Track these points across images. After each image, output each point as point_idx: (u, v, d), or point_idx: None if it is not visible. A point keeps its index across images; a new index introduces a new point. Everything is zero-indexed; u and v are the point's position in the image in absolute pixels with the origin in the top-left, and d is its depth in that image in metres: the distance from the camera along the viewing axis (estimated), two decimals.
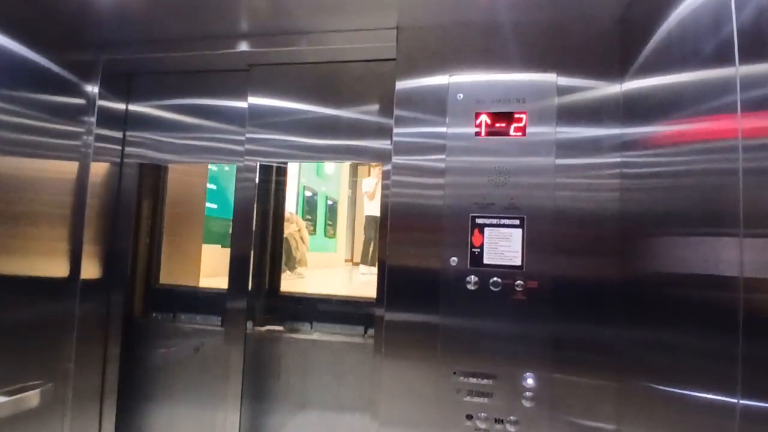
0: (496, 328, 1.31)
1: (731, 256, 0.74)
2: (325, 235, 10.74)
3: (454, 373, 1.32)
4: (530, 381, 1.28)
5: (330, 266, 10.91)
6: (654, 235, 1.09)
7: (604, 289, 1.27)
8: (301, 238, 6.87)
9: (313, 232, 9.89)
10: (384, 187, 1.50)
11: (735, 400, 0.73)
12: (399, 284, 1.39)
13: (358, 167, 13.02)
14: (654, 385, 1.08)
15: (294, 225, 6.89)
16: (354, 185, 12.95)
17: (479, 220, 1.34)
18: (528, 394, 1.28)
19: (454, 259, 1.34)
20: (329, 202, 11.01)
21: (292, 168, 8.47)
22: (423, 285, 1.37)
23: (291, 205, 8.61)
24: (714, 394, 0.81)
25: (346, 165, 11.77)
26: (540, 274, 1.30)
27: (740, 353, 0.71)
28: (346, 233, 12.38)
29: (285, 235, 6.25)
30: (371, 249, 8.01)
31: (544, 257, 1.30)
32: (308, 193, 9.51)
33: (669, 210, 1.02)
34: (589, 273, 1.28)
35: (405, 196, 1.41)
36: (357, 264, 13.27)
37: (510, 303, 1.31)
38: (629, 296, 1.21)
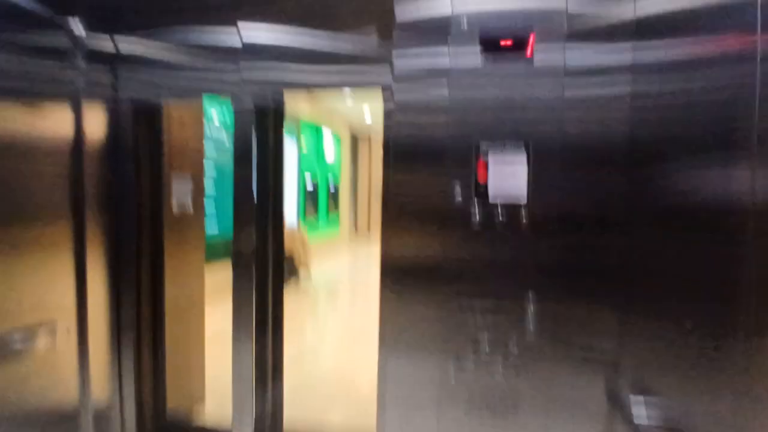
0: (500, 259, 1.34)
1: (743, 180, 0.75)
2: (327, 212, 10.56)
3: (459, 295, 1.37)
4: (533, 305, 1.33)
5: (334, 242, 10.81)
6: (664, 161, 1.08)
7: (610, 218, 1.28)
8: (303, 246, 6.61)
9: (315, 214, 9.68)
10: (386, 118, 1.46)
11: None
12: (402, 221, 1.41)
13: (358, 142, 12.58)
14: (654, 309, 1.13)
15: (297, 242, 6.52)
16: (354, 156, 12.61)
17: (484, 149, 1.32)
18: (530, 316, 1.34)
19: (458, 192, 1.35)
20: (331, 189, 10.72)
21: (291, 159, 8.05)
22: (426, 220, 1.39)
23: (291, 198, 8.22)
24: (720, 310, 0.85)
25: (347, 150, 11.35)
26: (545, 206, 1.31)
27: (751, 277, 0.74)
28: (348, 204, 12.24)
29: (287, 255, 5.89)
30: None
31: (550, 186, 1.30)
32: (309, 188, 9.25)
33: (680, 134, 1.00)
34: (595, 202, 1.29)
35: (407, 128, 1.38)
36: (361, 231, 13.24)
37: (515, 235, 1.33)
38: (636, 225, 1.23)
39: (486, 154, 1.32)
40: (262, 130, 1.83)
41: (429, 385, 1.42)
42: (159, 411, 2.16)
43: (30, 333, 1.43)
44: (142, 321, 1.97)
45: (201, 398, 2.58)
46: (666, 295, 1.07)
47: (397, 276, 1.44)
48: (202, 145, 2.47)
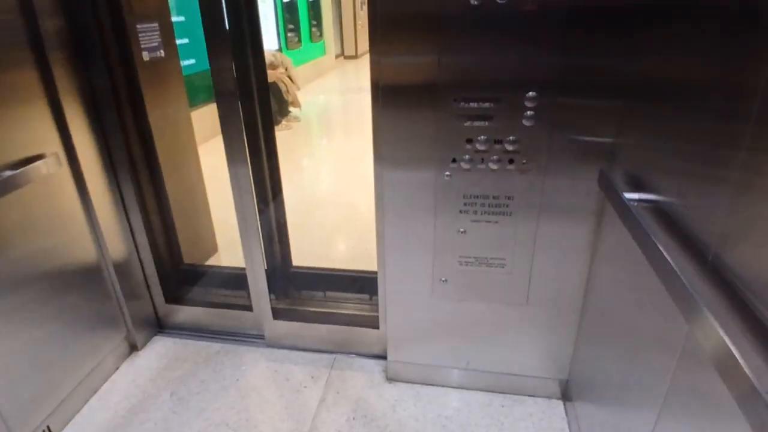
0: (501, 47, 1.23)
1: None
2: (311, 41, 9.42)
3: (455, 100, 1.30)
4: (532, 100, 1.27)
5: (322, 73, 9.97)
6: None
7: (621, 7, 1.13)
8: (290, 78, 5.99)
9: (298, 44, 8.63)
10: None
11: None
12: (392, 21, 1.26)
13: None
14: (661, 99, 1.06)
15: (280, 68, 5.94)
16: None
17: None
18: (529, 113, 1.28)
19: None
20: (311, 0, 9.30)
21: None
22: (420, 14, 1.24)
23: (269, 12, 7.18)
24: (727, 101, 0.79)
25: None
26: None
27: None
28: (333, 30, 10.90)
29: (272, 81, 5.41)
30: None
31: None
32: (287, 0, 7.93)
33: None
34: None
35: None
36: (348, 57, 12.13)
37: (517, 22, 1.19)
38: (648, 15, 1.08)
39: None
40: None
41: (425, 189, 1.44)
42: (175, 256, 2.28)
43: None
44: (139, 171, 1.95)
45: (213, 246, 2.72)
46: (671, 91, 1.00)
47: (389, 88, 1.34)
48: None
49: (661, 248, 0.86)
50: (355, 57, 12.58)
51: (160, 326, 2.16)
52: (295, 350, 2.00)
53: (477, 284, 1.55)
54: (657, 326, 1.01)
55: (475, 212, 1.44)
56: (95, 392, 1.81)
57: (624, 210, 1.07)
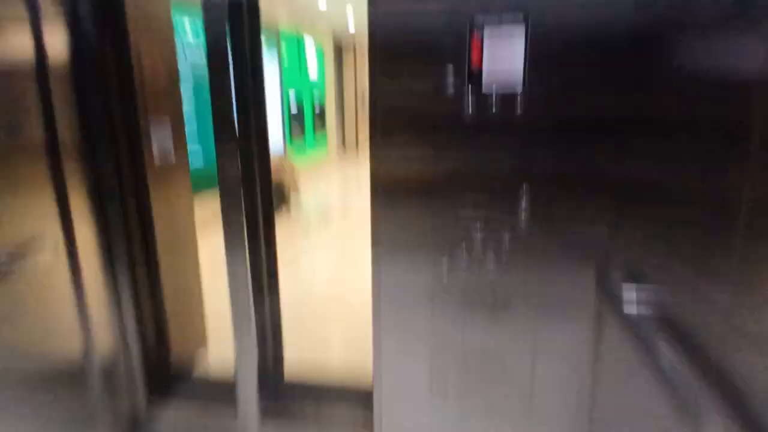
0: (494, 149, 1.30)
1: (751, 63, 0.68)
2: (314, 132, 10.16)
3: (450, 197, 1.35)
4: (526, 200, 1.31)
5: (323, 162, 10.48)
6: (669, 51, 1.00)
7: (609, 113, 1.23)
8: (293, 181, 6.30)
9: (301, 134, 9.28)
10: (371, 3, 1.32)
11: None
12: (390, 121, 1.35)
13: (343, 54, 11.83)
14: (650, 204, 1.11)
15: (284, 172, 6.19)
16: (339, 70, 11.93)
17: (478, 33, 1.22)
18: (524, 213, 1.32)
19: (450, 79, 1.27)
20: (317, 110, 10.17)
21: (273, 77, 7.43)
22: (417, 118, 1.32)
23: (275, 120, 7.76)
24: (714, 213, 0.83)
25: (331, 63, 10.65)
26: (541, 91, 1.24)
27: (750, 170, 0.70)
28: (335, 121, 11.77)
29: (276, 183, 5.66)
30: None
31: (547, 73, 1.22)
32: (294, 111, 8.73)
33: (687, 18, 0.92)
34: (594, 94, 1.22)
35: (394, 16, 1.27)
36: (349, 147, 12.88)
37: (510, 126, 1.27)
38: (637, 119, 1.17)
39: (481, 28, 1.22)
40: (236, 36, 1.69)
41: (422, 285, 1.43)
42: (163, 359, 2.20)
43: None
44: (136, 262, 1.95)
45: (203, 339, 2.64)
46: (663, 188, 1.05)
47: (387, 183, 1.40)
48: (175, 65, 2.29)
49: (660, 356, 0.85)
50: (356, 148, 13.18)
51: (139, 427, 2.02)
52: None
53: (478, 391, 1.49)
54: None
55: (474, 308, 1.42)
56: None
57: (622, 317, 1.06)
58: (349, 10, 8.34)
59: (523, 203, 1.31)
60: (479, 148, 1.31)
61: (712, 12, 0.84)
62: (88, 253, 1.70)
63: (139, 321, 1.94)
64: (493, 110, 1.26)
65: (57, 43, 1.55)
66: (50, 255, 1.52)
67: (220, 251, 1.73)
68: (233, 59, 1.59)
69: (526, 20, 1.19)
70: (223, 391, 2.05)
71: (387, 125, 1.35)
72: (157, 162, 2.08)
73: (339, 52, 11.74)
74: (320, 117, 10.47)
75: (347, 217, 6.67)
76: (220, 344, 2.63)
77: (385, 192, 1.40)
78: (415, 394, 1.54)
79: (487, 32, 1.21)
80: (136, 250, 1.94)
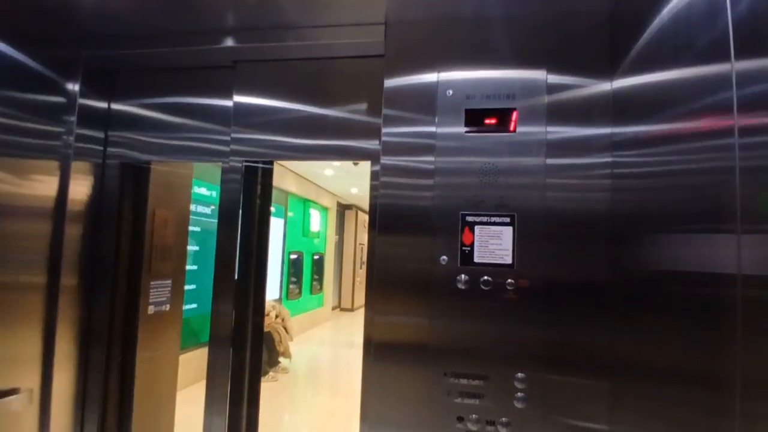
0: (487, 328, 1.29)
1: (728, 253, 0.73)
2: (311, 293, 10.17)
3: (445, 374, 1.30)
4: (522, 381, 1.26)
5: (317, 323, 10.43)
6: (646, 234, 1.08)
7: (596, 288, 1.25)
8: (285, 328, 6.11)
9: (298, 295, 9.32)
10: (372, 189, 1.47)
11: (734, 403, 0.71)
12: (387, 286, 1.37)
13: (345, 213, 12.88)
14: (647, 385, 1.07)
15: (277, 318, 6.12)
16: (341, 230, 12.83)
17: (469, 218, 1.32)
18: (519, 394, 1.26)
19: (444, 258, 1.32)
20: (315, 258, 10.63)
21: (276, 231, 7.98)
22: (412, 285, 1.35)
23: (275, 266, 8.10)
24: (711, 394, 0.80)
25: (333, 219, 11.54)
26: (531, 273, 1.28)
27: (739, 351, 0.70)
28: (333, 283, 12.08)
29: (267, 329, 5.50)
30: None
31: (535, 256, 1.28)
32: (293, 256, 9.19)
33: (661, 208, 1.01)
34: (581, 272, 1.27)
35: (394, 197, 1.38)
36: (345, 309, 13.14)
37: (501, 302, 1.29)
38: (622, 295, 1.20)
39: (472, 226, 1.31)
40: (248, 199, 1.82)
41: None
42: None
43: None
44: (107, 412, 1.83)
45: None
46: (657, 372, 1.02)
47: (380, 352, 1.36)
48: (186, 227, 2.43)
49: None
50: (351, 310, 13.07)
51: None
52: None
53: None
54: None
55: None
56: None
57: None
58: (353, 188, 9.04)
59: (518, 393, 1.26)
60: (471, 322, 1.30)
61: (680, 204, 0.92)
62: (60, 402, 1.59)
63: None
64: (483, 287, 1.29)
65: (81, 191, 1.67)
66: (23, 403, 1.42)
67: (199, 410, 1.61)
68: (242, 218, 1.70)
69: (513, 220, 1.30)
70: None
71: (382, 291, 1.37)
72: (150, 312, 2.07)
73: (341, 213, 12.47)
74: (318, 272, 10.54)
75: (336, 378, 6.33)
76: None
77: (378, 362, 1.36)
78: None
79: (477, 231, 1.31)
80: (111, 400, 1.81)
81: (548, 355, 1.26)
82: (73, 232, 1.63)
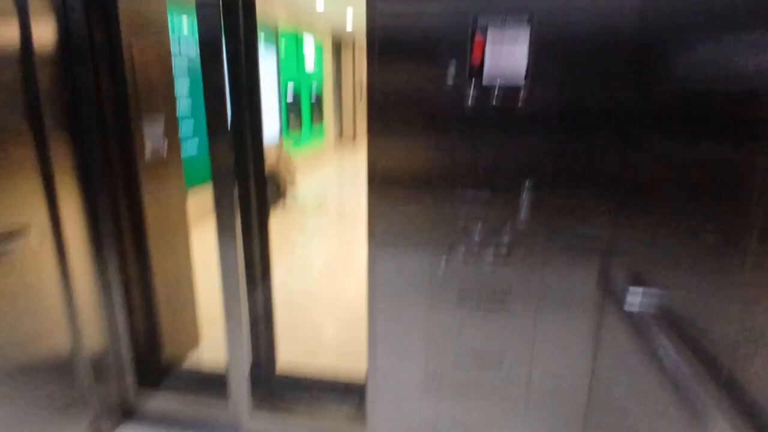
0: (496, 141, 1.27)
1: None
2: (312, 123, 10.01)
3: (451, 188, 1.32)
4: (528, 193, 1.29)
5: (320, 153, 10.28)
6: (679, 46, 0.97)
7: (614, 105, 1.19)
8: (288, 172, 6.11)
9: (299, 126, 9.09)
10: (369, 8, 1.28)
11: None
12: (390, 114, 1.31)
13: (341, 49, 11.67)
14: (655, 214, 1.08)
15: (280, 162, 6.01)
16: (337, 63, 11.81)
17: (482, 21, 1.19)
18: (525, 206, 1.29)
19: (452, 70, 1.23)
20: (313, 99, 10.00)
21: (271, 71, 7.27)
22: (414, 111, 1.29)
23: (272, 112, 7.60)
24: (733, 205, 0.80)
25: (328, 56, 10.50)
26: (545, 91, 1.21)
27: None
28: (333, 112, 11.62)
29: (269, 173, 5.50)
30: None
31: (552, 72, 1.19)
32: (290, 100, 8.58)
33: (699, 12, 0.89)
34: (601, 93, 1.19)
35: (396, 15, 1.23)
36: (346, 138, 12.80)
37: (510, 118, 1.24)
38: (643, 111, 1.15)
39: (485, 30, 1.18)
40: (231, 31, 1.64)
41: (419, 279, 1.41)
42: (154, 350, 2.17)
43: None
44: (126, 253, 1.92)
45: (195, 331, 2.61)
46: (670, 192, 1.03)
47: (384, 176, 1.37)
48: (169, 61, 2.24)
49: (665, 361, 0.82)
50: (354, 138, 13.11)
51: (129, 413, 1.99)
52: None
53: (473, 381, 1.47)
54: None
55: (472, 305, 1.40)
56: None
57: (624, 315, 1.04)
58: (348, 11, 8.24)
59: (525, 200, 1.29)
60: (480, 141, 1.28)
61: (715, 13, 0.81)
62: (76, 243, 1.66)
63: (129, 312, 1.90)
64: (494, 103, 1.23)
65: (45, 30, 1.49)
66: (37, 243, 1.48)
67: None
68: (227, 53, 1.54)
69: (531, 21, 1.16)
70: (214, 383, 2.03)
71: (385, 117, 1.32)
72: (147, 156, 2.04)
73: (338, 47, 11.65)
74: (318, 108, 10.35)
75: (344, 209, 6.63)
76: (214, 337, 2.61)
77: (382, 185, 1.37)
78: (409, 386, 1.52)
79: (490, 33, 1.18)
80: (126, 242, 1.90)
81: (557, 171, 1.26)
82: (46, 76, 1.51)
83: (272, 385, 2.05)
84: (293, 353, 2.21)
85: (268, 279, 2.01)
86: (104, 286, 1.81)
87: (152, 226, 2.06)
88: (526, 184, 1.28)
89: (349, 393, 1.95)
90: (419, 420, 1.55)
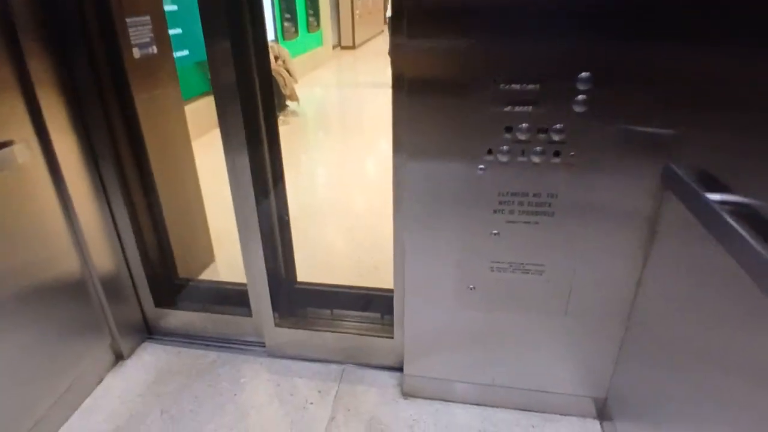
0: (550, 23, 1.04)
1: None
2: (308, 32, 9.08)
3: (494, 81, 1.12)
4: (585, 83, 1.08)
5: (319, 65, 9.61)
6: None
7: None
8: (288, 71, 5.59)
9: (295, 34, 8.31)
10: None
11: None
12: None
13: None
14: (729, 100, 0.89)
15: (278, 60, 5.58)
16: None
17: None
18: (580, 98, 1.10)
19: None
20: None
21: None
22: None
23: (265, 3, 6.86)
24: None
25: None
26: None
27: None
28: (330, 20, 10.60)
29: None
30: None
31: None
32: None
33: None
34: None
35: None
36: (346, 48, 11.84)
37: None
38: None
39: None
40: None
41: (453, 185, 1.25)
42: (166, 257, 2.08)
43: None
44: (126, 167, 1.75)
45: (209, 250, 2.52)
46: (739, 88, 0.83)
47: (413, 74, 1.16)
48: None
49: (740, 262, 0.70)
50: (353, 48, 12.32)
51: (149, 332, 1.96)
52: (299, 360, 1.82)
53: (510, 292, 1.38)
54: (726, 343, 0.85)
55: (512, 212, 1.26)
56: (76, 409, 1.61)
57: (705, 210, 0.90)
58: None
59: (579, 95, 1.09)
60: (530, 22, 1.05)
61: None
62: (69, 159, 1.50)
63: (136, 226, 1.79)
64: None
65: None
66: (24, 159, 1.32)
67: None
68: None
69: None
70: (235, 298, 1.97)
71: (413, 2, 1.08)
72: (136, 55, 1.80)
73: None
74: (314, 12, 9.54)
75: (347, 119, 6.34)
76: (228, 253, 2.53)
77: (410, 85, 1.17)
78: (440, 297, 1.43)
79: None
80: (124, 155, 1.73)
81: (620, 58, 1.04)
82: None
83: (293, 298, 2.00)
84: (307, 268, 2.13)
85: (281, 188, 1.86)
86: (106, 203, 1.68)
87: (151, 137, 1.88)
88: (582, 76, 1.07)
89: (374, 304, 1.90)
90: (451, 330, 1.49)
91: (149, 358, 1.84)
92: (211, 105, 1.50)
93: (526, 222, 1.26)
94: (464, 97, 1.15)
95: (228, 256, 2.49)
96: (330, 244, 2.75)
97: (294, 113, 6.00)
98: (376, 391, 1.67)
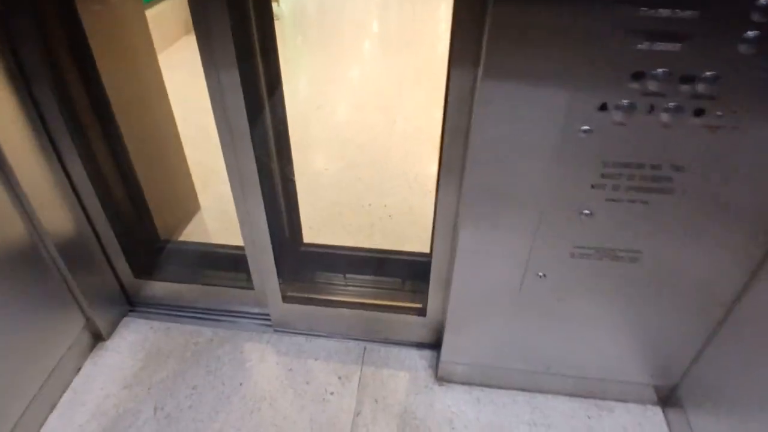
0: None
1: None
2: None
3: (626, 3, 0.74)
4: (764, 13, 0.71)
5: None
6: None
7: None
8: None
9: None
10: None
11: None
12: None
13: None
14: None
15: None
16: None
17: None
18: (751, 34, 0.74)
19: None
20: None
21: None
22: None
23: None
24: None
25: None
26: None
27: None
28: None
29: None
30: None
31: None
32: None
33: None
34: None
35: None
36: None
37: None
38: None
39: None
40: None
41: (536, 148, 0.91)
42: (141, 214, 1.71)
43: None
44: (74, 97, 1.32)
45: (192, 196, 2.12)
46: None
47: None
48: None
49: None
50: None
51: (129, 303, 1.66)
52: (311, 336, 1.56)
53: (588, 281, 1.10)
54: None
55: (616, 188, 0.94)
56: (54, 407, 1.35)
57: None
58: None
59: (758, 17, 0.72)
60: None
61: None
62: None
63: (96, 176, 1.41)
64: None
65: None
66: None
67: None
68: None
69: None
70: (230, 258, 1.67)
71: None
72: None
73: None
74: None
75: (335, 27, 5.61)
76: (215, 195, 2.17)
77: None
78: (495, 279, 1.15)
79: None
80: (69, 78, 1.30)
81: None
82: None
83: (299, 258, 1.70)
84: (312, 219, 1.81)
85: (280, 113, 1.45)
86: (51, 146, 1.27)
87: (103, 54, 1.42)
88: (762, 2, 0.70)
89: (397, 269, 1.62)
90: (506, 314, 1.23)
91: (133, 338, 1.55)
92: (177, 6, 1.05)
93: (631, 200, 0.95)
94: (582, 21, 0.76)
95: (216, 201, 2.13)
96: (334, 185, 2.39)
97: (276, 17, 5.24)
98: (405, 376, 1.44)
